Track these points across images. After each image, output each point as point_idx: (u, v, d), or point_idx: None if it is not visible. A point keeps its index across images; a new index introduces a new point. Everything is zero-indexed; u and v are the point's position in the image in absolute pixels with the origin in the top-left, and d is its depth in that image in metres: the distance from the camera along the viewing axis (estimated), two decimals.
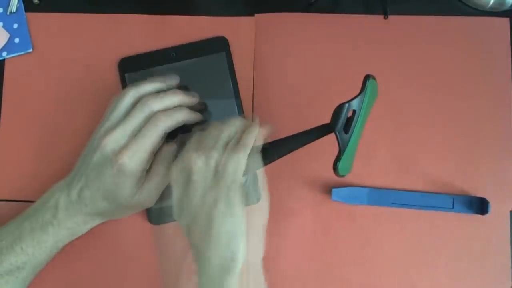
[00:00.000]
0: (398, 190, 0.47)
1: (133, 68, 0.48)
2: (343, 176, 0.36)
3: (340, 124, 0.34)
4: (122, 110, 0.40)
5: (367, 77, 0.36)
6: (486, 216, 0.45)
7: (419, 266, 0.46)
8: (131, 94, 0.40)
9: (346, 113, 0.34)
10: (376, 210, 0.47)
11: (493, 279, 0.46)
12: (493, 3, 0.48)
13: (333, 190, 0.46)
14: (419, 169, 0.47)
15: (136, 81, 0.47)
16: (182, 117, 0.41)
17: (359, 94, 0.35)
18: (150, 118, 0.39)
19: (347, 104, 0.35)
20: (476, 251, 0.46)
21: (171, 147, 0.41)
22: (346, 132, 0.35)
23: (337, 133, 0.34)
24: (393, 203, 0.47)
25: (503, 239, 0.46)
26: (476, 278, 0.46)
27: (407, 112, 0.48)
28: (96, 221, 0.42)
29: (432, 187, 0.47)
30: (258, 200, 0.47)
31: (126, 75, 0.48)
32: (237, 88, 0.47)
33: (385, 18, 0.49)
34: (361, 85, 0.36)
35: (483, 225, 0.46)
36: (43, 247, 0.40)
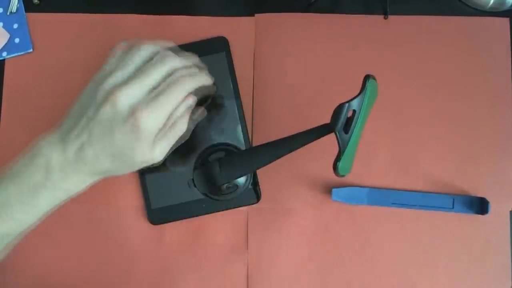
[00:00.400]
0: (398, 190, 0.47)
1: None
2: (343, 176, 0.36)
3: (340, 124, 0.34)
4: (137, 62, 0.36)
5: (367, 77, 0.36)
6: (486, 216, 0.45)
7: (419, 266, 0.46)
8: (150, 49, 0.36)
9: (346, 113, 0.34)
10: (376, 210, 0.47)
11: (493, 279, 0.46)
12: (493, 3, 0.48)
13: (333, 190, 0.46)
14: (419, 169, 0.47)
15: None
16: (204, 79, 0.38)
17: (359, 94, 0.35)
18: (171, 76, 0.36)
19: (347, 104, 0.35)
20: (476, 251, 0.46)
21: (202, 112, 0.40)
22: (346, 132, 0.35)
23: (337, 133, 0.35)
24: (393, 203, 0.47)
25: (503, 239, 0.46)
26: (476, 278, 0.46)
27: (407, 112, 0.48)
28: (96, 179, 0.38)
29: (432, 187, 0.47)
30: (259, 200, 0.47)
31: None
32: (237, 88, 0.47)
33: (385, 18, 0.49)
34: (361, 85, 0.36)
35: (483, 225, 0.46)
36: (34, 212, 0.36)
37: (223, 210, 0.46)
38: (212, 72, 0.47)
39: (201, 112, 0.42)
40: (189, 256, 0.47)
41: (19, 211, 0.35)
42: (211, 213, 0.46)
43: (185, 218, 0.46)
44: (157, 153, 0.36)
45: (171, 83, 0.35)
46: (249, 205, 0.47)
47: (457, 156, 0.48)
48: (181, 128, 0.37)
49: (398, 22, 0.49)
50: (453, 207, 0.46)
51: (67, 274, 0.46)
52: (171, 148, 0.38)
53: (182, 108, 0.37)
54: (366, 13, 0.49)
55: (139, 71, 0.35)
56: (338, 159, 0.35)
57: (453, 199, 0.47)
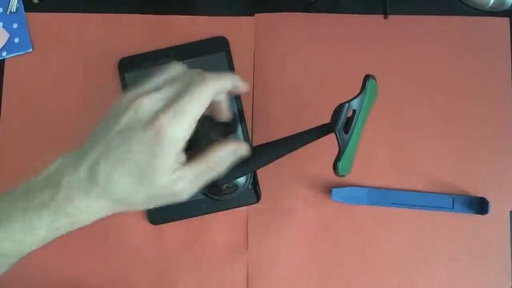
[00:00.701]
0: (398, 190, 0.47)
1: (133, 68, 0.48)
2: (343, 176, 0.36)
3: (340, 124, 0.34)
4: (164, 77, 0.33)
5: (367, 77, 0.36)
6: (486, 216, 0.45)
7: (419, 266, 0.46)
8: (179, 67, 0.34)
9: (346, 113, 0.34)
10: (376, 210, 0.47)
11: (493, 279, 0.46)
12: (493, 3, 0.48)
13: (333, 190, 0.46)
14: (419, 169, 0.47)
15: (136, 81, 0.47)
16: (232, 81, 0.34)
17: (359, 94, 0.35)
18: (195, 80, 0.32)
19: (347, 104, 0.35)
20: (476, 251, 0.46)
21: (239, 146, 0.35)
22: (346, 132, 0.35)
23: (337, 133, 0.34)
24: (393, 203, 0.47)
25: (503, 239, 0.46)
26: (476, 278, 0.46)
27: (407, 112, 0.48)
28: (105, 211, 0.32)
29: (432, 187, 0.47)
30: (259, 200, 0.47)
31: (126, 74, 0.48)
32: None
33: (385, 18, 0.49)
34: (361, 85, 0.36)
35: (483, 225, 0.46)
36: (34, 235, 0.31)
37: (223, 210, 0.46)
38: (212, 72, 0.47)
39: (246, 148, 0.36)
40: (189, 256, 0.47)
41: (19, 230, 0.31)
42: (211, 213, 0.46)
43: (185, 218, 0.46)
44: (180, 185, 0.32)
45: (195, 84, 0.32)
46: (249, 205, 0.47)
47: (457, 156, 0.47)
48: (218, 169, 0.34)
49: (398, 22, 0.49)
50: (453, 207, 0.46)
51: (67, 273, 0.46)
52: (199, 186, 0.34)
53: (226, 151, 0.34)
54: (366, 13, 0.49)
55: (166, 82, 0.33)
56: (338, 159, 0.35)
57: (453, 199, 0.47)
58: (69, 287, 0.46)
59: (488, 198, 0.45)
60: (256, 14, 0.49)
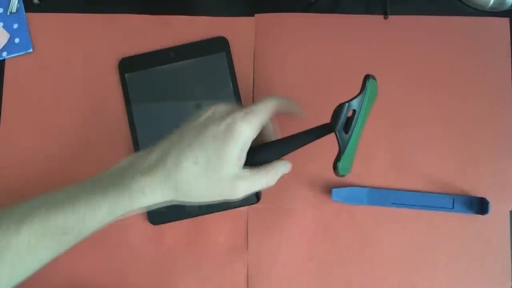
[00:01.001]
0: (398, 190, 0.47)
1: (133, 68, 0.48)
2: (343, 176, 0.36)
3: (340, 124, 0.34)
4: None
5: (367, 77, 0.36)
6: (486, 216, 0.45)
7: (419, 266, 0.46)
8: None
9: (346, 113, 0.34)
10: (376, 210, 0.47)
11: (493, 279, 0.46)
12: (493, 3, 0.48)
13: (333, 190, 0.46)
14: (419, 169, 0.47)
15: (136, 81, 0.47)
16: (290, 105, 0.38)
17: (359, 94, 0.35)
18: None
19: (347, 104, 0.35)
20: (476, 251, 0.46)
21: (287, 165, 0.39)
22: (346, 132, 0.35)
23: (337, 133, 0.34)
24: (393, 203, 0.47)
25: (503, 239, 0.46)
26: (476, 278, 0.46)
27: (407, 112, 0.48)
28: (164, 197, 0.34)
29: (432, 187, 0.47)
30: (259, 200, 0.47)
31: (126, 75, 0.48)
32: (237, 88, 0.47)
33: (385, 18, 0.49)
34: (361, 85, 0.36)
35: (483, 225, 0.46)
36: (95, 215, 0.34)
37: (223, 211, 0.46)
38: (212, 72, 0.47)
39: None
40: (189, 256, 0.47)
41: (83, 207, 0.33)
42: (211, 213, 0.46)
43: (185, 218, 0.46)
44: (239, 184, 0.34)
45: (262, 99, 0.36)
46: (249, 205, 0.47)
47: (457, 156, 0.48)
48: (270, 179, 0.36)
49: (398, 22, 0.49)
50: (453, 207, 0.46)
51: (67, 274, 0.46)
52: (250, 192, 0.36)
53: (281, 170, 0.37)
54: (366, 13, 0.49)
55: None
56: (338, 159, 0.35)
57: (453, 199, 0.47)
58: (70, 287, 0.47)
59: (488, 198, 0.45)
60: (256, 14, 0.49)
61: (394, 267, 0.46)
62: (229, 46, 0.48)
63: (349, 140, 0.35)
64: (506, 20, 0.49)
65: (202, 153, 0.33)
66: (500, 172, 0.47)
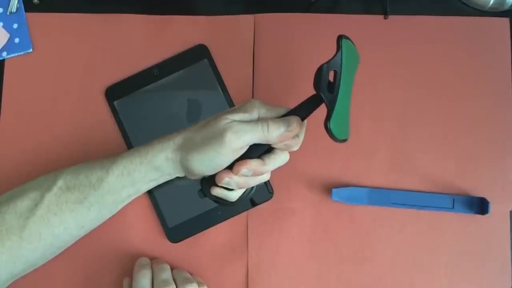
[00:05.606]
0: (398, 190, 0.47)
1: (120, 94, 0.48)
2: (339, 140, 0.35)
3: (323, 84, 0.35)
4: None
5: (340, 37, 0.36)
6: (486, 216, 0.45)
7: (419, 266, 0.46)
8: None
9: (326, 73, 0.35)
10: (376, 210, 0.47)
11: (493, 279, 0.46)
12: (493, 3, 0.48)
13: (333, 190, 0.46)
14: (419, 169, 0.47)
15: (127, 106, 0.47)
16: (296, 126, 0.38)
17: (335, 54, 0.35)
18: None
19: (325, 65, 0.35)
20: (476, 251, 0.46)
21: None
22: (331, 92, 0.35)
23: (322, 94, 0.35)
24: (393, 203, 0.47)
25: (503, 239, 0.46)
26: (476, 278, 0.46)
27: (407, 112, 0.48)
28: (180, 163, 0.39)
29: (432, 187, 0.47)
30: (272, 194, 0.46)
31: (115, 103, 0.48)
32: (227, 91, 0.47)
33: (385, 18, 0.49)
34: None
35: (483, 225, 0.46)
36: (150, 184, 0.40)
37: (240, 213, 0.46)
38: (198, 81, 0.47)
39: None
40: (189, 256, 0.47)
41: (121, 173, 0.39)
42: (229, 218, 0.46)
43: (204, 230, 0.46)
44: (228, 133, 0.37)
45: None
46: (264, 202, 0.46)
47: (457, 156, 0.48)
48: (269, 136, 0.37)
49: (398, 22, 0.49)
50: (453, 207, 0.46)
51: (69, 273, 0.46)
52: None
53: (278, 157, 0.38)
54: (366, 13, 0.49)
55: None
56: (327, 118, 0.34)
57: (453, 199, 0.47)
58: (71, 286, 0.47)
59: (488, 198, 0.45)
60: (255, 14, 0.49)
61: (394, 267, 0.46)
62: (210, 52, 0.48)
63: (336, 98, 0.35)
64: (506, 20, 0.49)
65: (208, 136, 0.37)
66: (500, 172, 0.47)
